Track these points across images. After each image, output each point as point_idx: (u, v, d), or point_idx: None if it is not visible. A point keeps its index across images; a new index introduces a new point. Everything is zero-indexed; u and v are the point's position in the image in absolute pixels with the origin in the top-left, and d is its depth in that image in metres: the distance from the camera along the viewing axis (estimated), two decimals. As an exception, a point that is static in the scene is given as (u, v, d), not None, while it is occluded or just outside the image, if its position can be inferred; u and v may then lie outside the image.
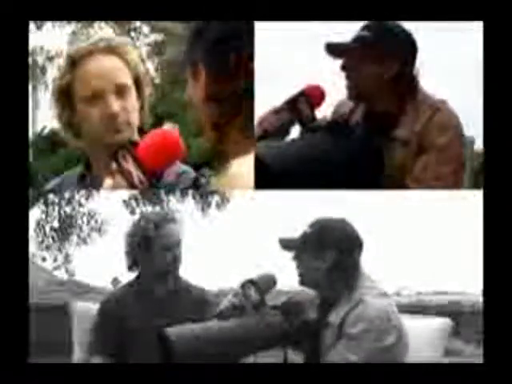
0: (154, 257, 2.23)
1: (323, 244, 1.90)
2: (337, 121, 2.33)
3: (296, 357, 1.94)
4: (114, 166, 1.83)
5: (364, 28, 2.22)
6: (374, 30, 2.20)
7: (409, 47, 2.23)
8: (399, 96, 2.23)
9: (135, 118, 2.04)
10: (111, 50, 2.03)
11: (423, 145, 2.18)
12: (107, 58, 2.02)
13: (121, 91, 2.01)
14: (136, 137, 1.99)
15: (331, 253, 1.89)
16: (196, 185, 2.08)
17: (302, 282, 1.94)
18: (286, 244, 1.95)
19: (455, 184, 2.20)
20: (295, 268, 1.94)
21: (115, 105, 1.98)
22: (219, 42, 1.56)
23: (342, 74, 2.23)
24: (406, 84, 2.23)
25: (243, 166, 1.52)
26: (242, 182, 1.50)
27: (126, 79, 2.03)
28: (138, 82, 2.07)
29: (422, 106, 2.21)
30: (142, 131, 2.04)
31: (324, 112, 2.33)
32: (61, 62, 2.05)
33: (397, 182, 2.20)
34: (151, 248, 2.23)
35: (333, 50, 2.21)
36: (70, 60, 2.02)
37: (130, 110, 2.02)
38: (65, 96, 2.04)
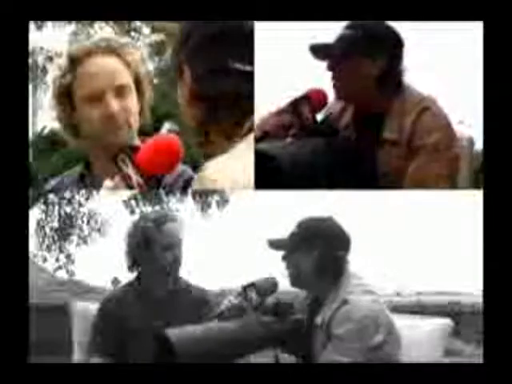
0: (154, 257, 2.23)
1: (309, 243, 1.89)
2: (334, 123, 2.33)
3: (288, 357, 1.93)
4: (113, 169, 1.83)
5: (348, 27, 2.18)
6: (357, 28, 2.17)
7: (394, 43, 2.19)
8: (386, 94, 2.19)
9: (135, 119, 2.04)
10: (112, 50, 2.03)
11: (414, 145, 2.15)
12: (108, 59, 2.02)
13: (121, 92, 2.01)
14: (136, 138, 1.99)
15: (316, 251, 1.88)
16: (192, 185, 2.08)
17: (293, 283, 1.94)
18: (275, 244, 1.95)
19: (450, 185, 2.18)
20: (285, 268, 1.94)
21: (115, 106, 1.98)
22: (205, 43, 1.56)
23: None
24: (392, 82, 2.19)
25: (219, 166, 1.50)
26: (215, 184, 1.49)
27: (127, 80, 2.03)
28: (138, 83, 2.07)
29: (409, 105, 2.17)
30: (142, 132, 2.04)
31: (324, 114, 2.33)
32: (61, 61, 2.05)
33: (393, 183, 2.18)
34: (151, 248, 2.22)
35: (316, 51, 2.17)
36: (70, 60, 2.02)
37: (130, 110, 2.02)
38: (65, 96, 2.04)
